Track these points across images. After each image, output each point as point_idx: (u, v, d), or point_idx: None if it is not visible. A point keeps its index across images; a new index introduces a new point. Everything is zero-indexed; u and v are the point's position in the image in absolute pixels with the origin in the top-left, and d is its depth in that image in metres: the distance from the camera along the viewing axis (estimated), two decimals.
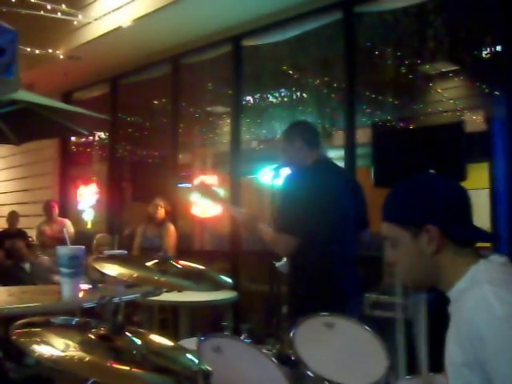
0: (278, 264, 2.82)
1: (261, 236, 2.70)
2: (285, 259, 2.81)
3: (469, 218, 1.29)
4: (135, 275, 1.56)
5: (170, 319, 4.89)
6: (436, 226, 1.24)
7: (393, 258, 1.34)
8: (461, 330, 1.16)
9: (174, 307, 4.46)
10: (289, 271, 2.68)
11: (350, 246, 2.73)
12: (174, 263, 1.69)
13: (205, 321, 4.50)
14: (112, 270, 1.58)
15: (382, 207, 1.35)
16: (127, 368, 1.14)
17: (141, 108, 7.19)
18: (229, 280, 1.72)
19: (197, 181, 5.86)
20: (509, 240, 3.64)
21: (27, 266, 5.56)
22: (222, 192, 5.61)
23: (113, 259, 1.78)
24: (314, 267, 2.58)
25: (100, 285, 2.68)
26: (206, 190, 3.03)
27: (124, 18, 5.30)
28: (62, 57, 6.10)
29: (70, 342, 1.17)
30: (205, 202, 5.28)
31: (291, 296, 2.65)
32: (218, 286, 1.88)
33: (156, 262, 1.66)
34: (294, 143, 2.75)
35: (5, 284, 3.67)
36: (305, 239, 2.53)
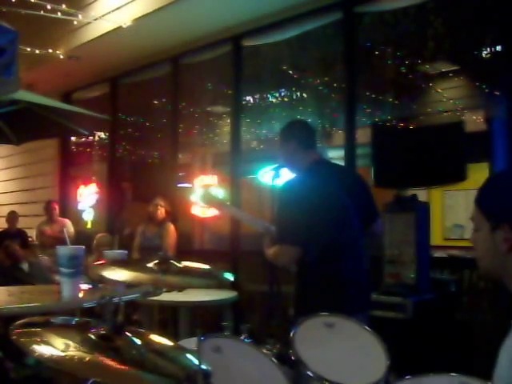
0: None
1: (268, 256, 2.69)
2: None
3: None
4: (140, 277, 1.56)
5: (170, 319, 4.89)
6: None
7: (473, 241, 1.34)
8: None
9: (174, 307, 4.46)
10: (296, 272, 2.68)
11: (356, 243, 2.69)
12: (176, 263, 1.69)
13: (205, 321, 4.50)
14: (115, 274, 1.58)
15: (477, 190, 1.33)
16: (127, 368, 1.14)
17: (141, 108, 7.19)
18: (232, 277, 1.73)
19: (198, 184, 5.84)
20: None
21: (25, 266, 5.55)
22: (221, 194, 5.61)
23: (115, 263, 1.79)
24: (322, 269, 2.56)
25: (100, 285, 2.68)
26: (210, 199, 2.99)
27: (124, 18, 5.30)
28: (62, 57, 6.11)
29: (70, 342, 1.17)
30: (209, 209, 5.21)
31: (299, 297, 2.64)
32: (223, 283, 1.88)
33: (157, 263, 1.66)
34: (289, 144, 2.71)
35: (3, 284, 3.66)
36: (307, 245, 2.50)
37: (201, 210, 5.76)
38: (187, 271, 1.68)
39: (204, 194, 3.05)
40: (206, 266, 1.79)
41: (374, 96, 5.13)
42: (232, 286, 4.35)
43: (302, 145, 2.71)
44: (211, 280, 1.80)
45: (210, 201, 2.97)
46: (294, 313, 2.58)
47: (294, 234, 2.50)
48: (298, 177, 2.70)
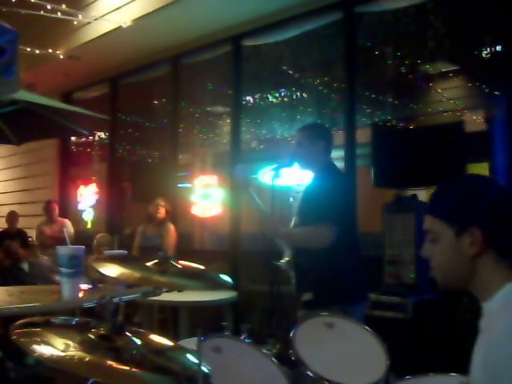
0: (280, 262, 2.82)
1: (286, 235, 2.79)
2: (287, 258, 2.81)
3: None
4: (136, 276, 1.56)
5: (170, 319, 4.89)
6: (481, 230, 1.20)
7: (429, 252, 1.30)
8: (487, 358, 1.11)
9: (174, 307, 4.46)
10: (315, 260, 2.71)
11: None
12: (174, 263, 1.69)
13: (205, 321, 4.50)
14: (112, 270, 1.57)
15: (430, 200, 1.31)
16: (127, 368, 1.14)
17: (141, 108, 7.19)
18: (229, 280, 1.73)
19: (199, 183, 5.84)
20: None
21: (26, 266, 5.56)
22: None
23: (113, 259, 1.78)
24: (350, 255, 2.72)
25: (100, 285, 2.68)
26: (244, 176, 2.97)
27: (124, 18, 5.30)
28: (61, 57, 6.10)
29: (70, 342, 1.17)
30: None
31: (317, 283, 2.69)
32: (219, 285, 1.90)
33: (156, 262, 1.66)
34: (318, 144, 2.82)
35: (4, 284, 3.66)
36: (343, 229, 2.63)
37: (201, 210, 5.76)
38: (185, 273, 1.68)
39: (242, 169, 3.05)
40: (205, 268, 1.79)
41: (374, 96, 5.13)
42: (232, 286, 4.34)
43: (328, 147, 2.86)
44: (209, 282, 1.79)
45: (243, 177, 2.98)
46: (314, 296, 2.64)
47: (333, 214, 2.61)
48: (330, 169, 2.84)
